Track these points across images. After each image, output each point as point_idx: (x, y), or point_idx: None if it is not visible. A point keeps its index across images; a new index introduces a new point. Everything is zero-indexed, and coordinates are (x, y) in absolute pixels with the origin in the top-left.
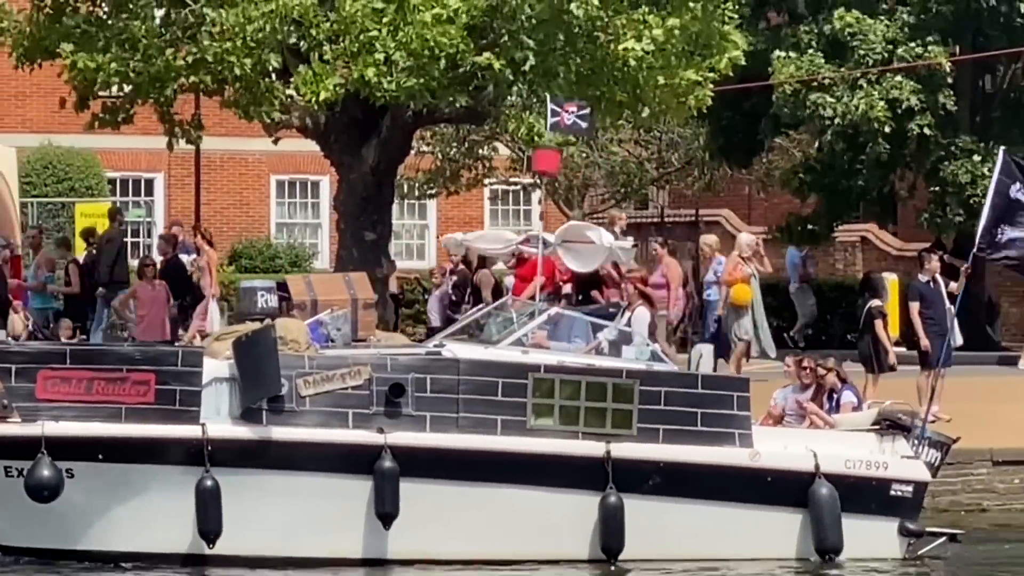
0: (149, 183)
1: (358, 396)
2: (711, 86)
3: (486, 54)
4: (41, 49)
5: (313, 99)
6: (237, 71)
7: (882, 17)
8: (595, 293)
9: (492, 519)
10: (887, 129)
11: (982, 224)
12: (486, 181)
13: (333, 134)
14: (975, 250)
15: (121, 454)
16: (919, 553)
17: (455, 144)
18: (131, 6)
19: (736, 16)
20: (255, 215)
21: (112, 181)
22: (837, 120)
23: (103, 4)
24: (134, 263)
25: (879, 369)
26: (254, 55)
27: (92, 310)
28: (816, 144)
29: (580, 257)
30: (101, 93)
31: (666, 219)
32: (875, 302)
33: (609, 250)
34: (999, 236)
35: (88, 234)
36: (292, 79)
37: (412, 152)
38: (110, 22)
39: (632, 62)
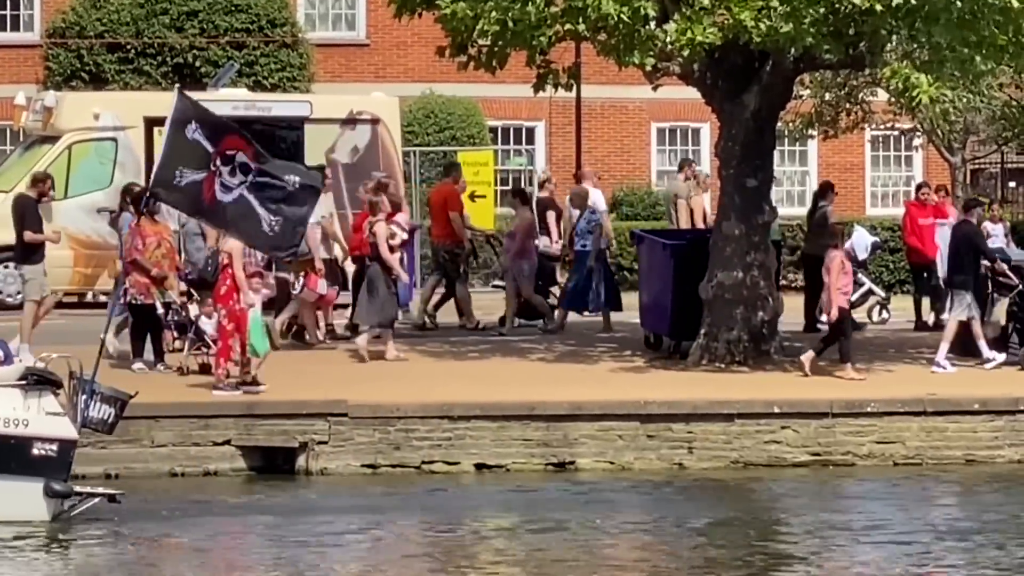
0: (530, 131)
1: None
2: None
3: None
4: None
5: (686, 44)
6: (611, 21)
7: None
8: None
9: None
10: None
11: (156, 166)
12: (864, 126)
13: (714, 80)
14: (148, 192)
15: None
16: (73, 514)
17: (835, 88)
18: None
19: None
20: (635, 163)
21: (493, 130)
22: None
23: None
24: None
25: None
26: (630, 3)
27: None
28: None
29: None
30: (479, 41)
31: None
32: None
33: None
34: (178, 179)
35: None
36: (667, 26)
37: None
38: None
39: (1016, 4)
